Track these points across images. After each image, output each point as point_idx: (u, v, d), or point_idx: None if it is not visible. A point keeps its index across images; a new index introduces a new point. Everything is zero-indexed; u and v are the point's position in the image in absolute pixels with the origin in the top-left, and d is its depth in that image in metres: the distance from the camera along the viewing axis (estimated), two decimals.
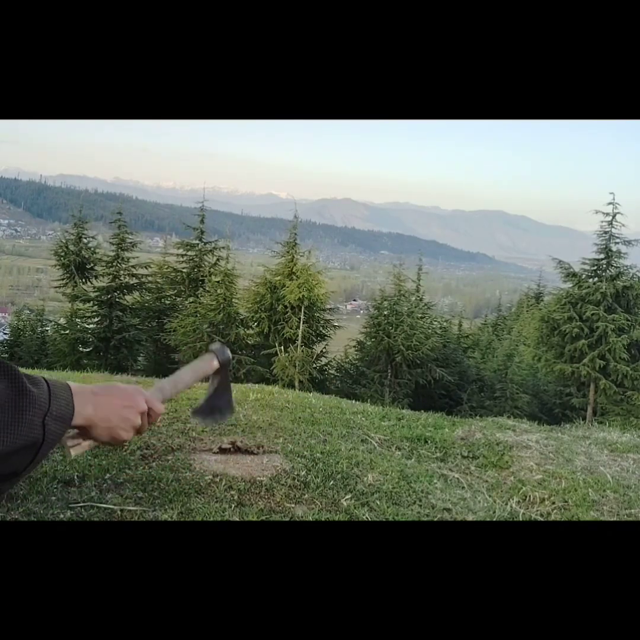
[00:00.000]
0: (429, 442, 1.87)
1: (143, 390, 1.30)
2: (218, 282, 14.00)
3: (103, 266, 15.90)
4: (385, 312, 14.65)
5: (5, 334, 20.09)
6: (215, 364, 1.45)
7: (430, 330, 15.23)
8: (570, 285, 14.75)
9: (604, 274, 14.36)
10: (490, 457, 1.80)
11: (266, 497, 1.30)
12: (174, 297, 16.53)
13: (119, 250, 15.71)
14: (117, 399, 1.23)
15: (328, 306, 15.18)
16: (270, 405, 2.14)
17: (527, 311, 22.91)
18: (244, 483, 1.34)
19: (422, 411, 2.54)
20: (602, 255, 14.50)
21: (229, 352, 1.48)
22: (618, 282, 14.01)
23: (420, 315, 15.28)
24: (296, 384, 12.36)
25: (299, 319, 13.63)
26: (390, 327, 14.10)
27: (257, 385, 2.94)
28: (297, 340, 13.59)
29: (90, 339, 15.03)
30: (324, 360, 14.96)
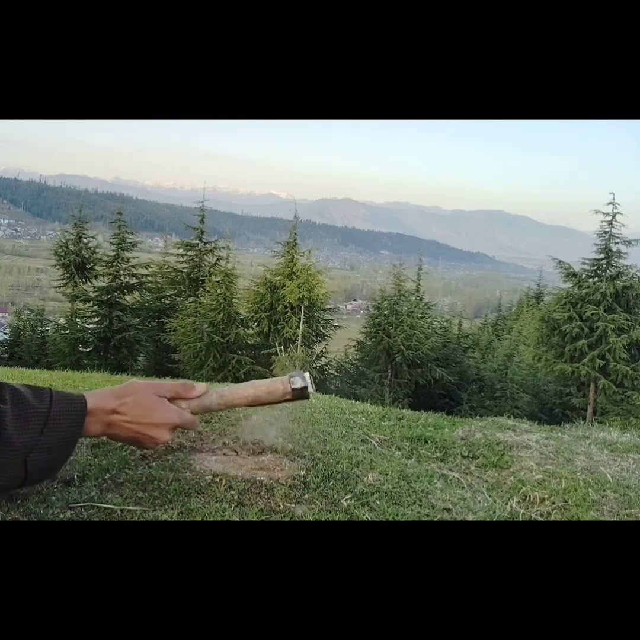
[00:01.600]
0: (429, 442, 1.87)
1: (181, 410, 1.24)
2: (218, 282, 14.01)
3: (103, 266, 15.90)
4: (385, 312, 14.65)
5: (5, 334, 20.07)
6: (288, 390, 1.29)
7: (430, 330, 15.24)
8: (570, 285, 14.76)
9: (604, 274, 14.36)
10: (490, 457, 1.80)
11: (266, 497, 1.30)
12: (174, 297, 16.52)
13: (119, 250, 15.71)
14: (139, 425, 1.18)
15: (328, 306, 15.18)
16: (270, 405, 2.15)
17: (527, 311, 22.90)
18: (244, 483, 1.34)
19: (422, 411, 2.54)
20: (602, 255, 14.51)
21: (309, 388, 1.29)
22: (618, 282, 14.02)
23: (420, 315, 15.28)
24: None
25: (299, 319, 13.63)
26: (390, 327, 14.10)
27: None
28: (297, 340, 13.59)
29: (90, 339, 15.04)
30: (324, 360, 14.96)
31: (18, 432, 1.02)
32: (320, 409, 2.20)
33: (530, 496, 1.52)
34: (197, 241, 16.72)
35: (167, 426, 1.22)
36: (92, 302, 15.45)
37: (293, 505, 1.27)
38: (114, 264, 15.60)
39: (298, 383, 1.29)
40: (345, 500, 1.31)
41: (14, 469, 1.04)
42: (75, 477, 1.27)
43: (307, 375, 1.31)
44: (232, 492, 1.31)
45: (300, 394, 1.30)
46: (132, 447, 1.25)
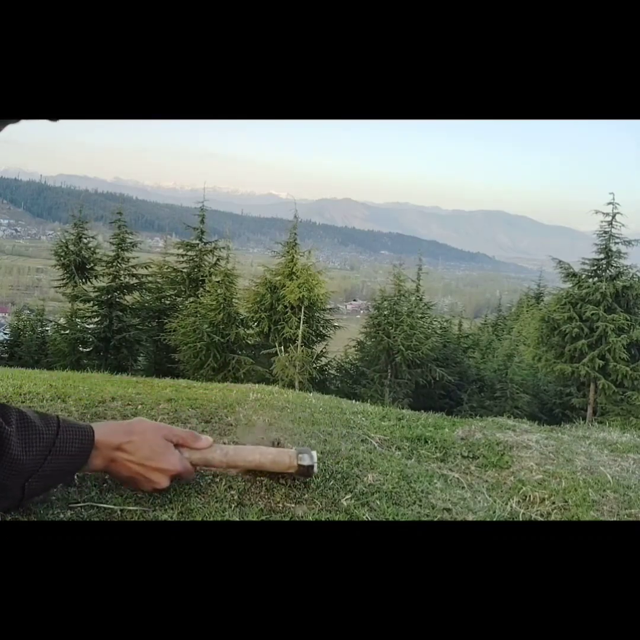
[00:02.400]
0: (429, 442, 1.87)
1: (184, 459, 1.23)
2: (218, 282, 14.01)
3: (103, 266, 15.90)
4: (385, 312, 14.66)
5: (5, 334, 20.06)
6: (294, 465, 1.30)
7: (430, 330, 15.24)
8: (570, 285, 14.77)
9: (603, 274, 14.37)
10: (490, 457, 1.80)
11: (266, 497, 1.30)
12: (174, 297, 16.52)
13: (119, 250, 15.71)
14: (142, 467, 1.18)
15: (328, 306, 15.18)
16: (270, 405, 2.15)
17: (527, 311, 22.90)
18: (244, 483, 1.34)
19: (422, 411, 2.54)
20: (602, 255, 14.52)
21: (315, 465, 1.31)
22: (618, 282, 14.03)
23: (420, 315, 15.29)
24: (296, 384, 12.35)
25: (299, 319, 13.63)
26: (390, 327, 14.11)
27: (257, 385, 2.95)
28: (297, 340, 13.59)
29: (90, 339, 15.04)
30: (324, 360, 14.96)
31: (23, 454, 1.01)
32: (320, 409, 2.20)
33: (530, 496, 1.52)
34: (197, 241, 16.71)
35: (169, 473, 1.21)
36: (92, 302, 15.45)
37: (293, 505, 1.27)
38: (114, 264, 15.60)
39: (306, 461, 1.30)
40: (345, 500, 1.31)
41: (15, 491, 1.03)
42: (76, 477, 1.27)
43: (314, 453, 1.32)
44: (232, 492, 1.31)
45: (306, 471, 1.31)
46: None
